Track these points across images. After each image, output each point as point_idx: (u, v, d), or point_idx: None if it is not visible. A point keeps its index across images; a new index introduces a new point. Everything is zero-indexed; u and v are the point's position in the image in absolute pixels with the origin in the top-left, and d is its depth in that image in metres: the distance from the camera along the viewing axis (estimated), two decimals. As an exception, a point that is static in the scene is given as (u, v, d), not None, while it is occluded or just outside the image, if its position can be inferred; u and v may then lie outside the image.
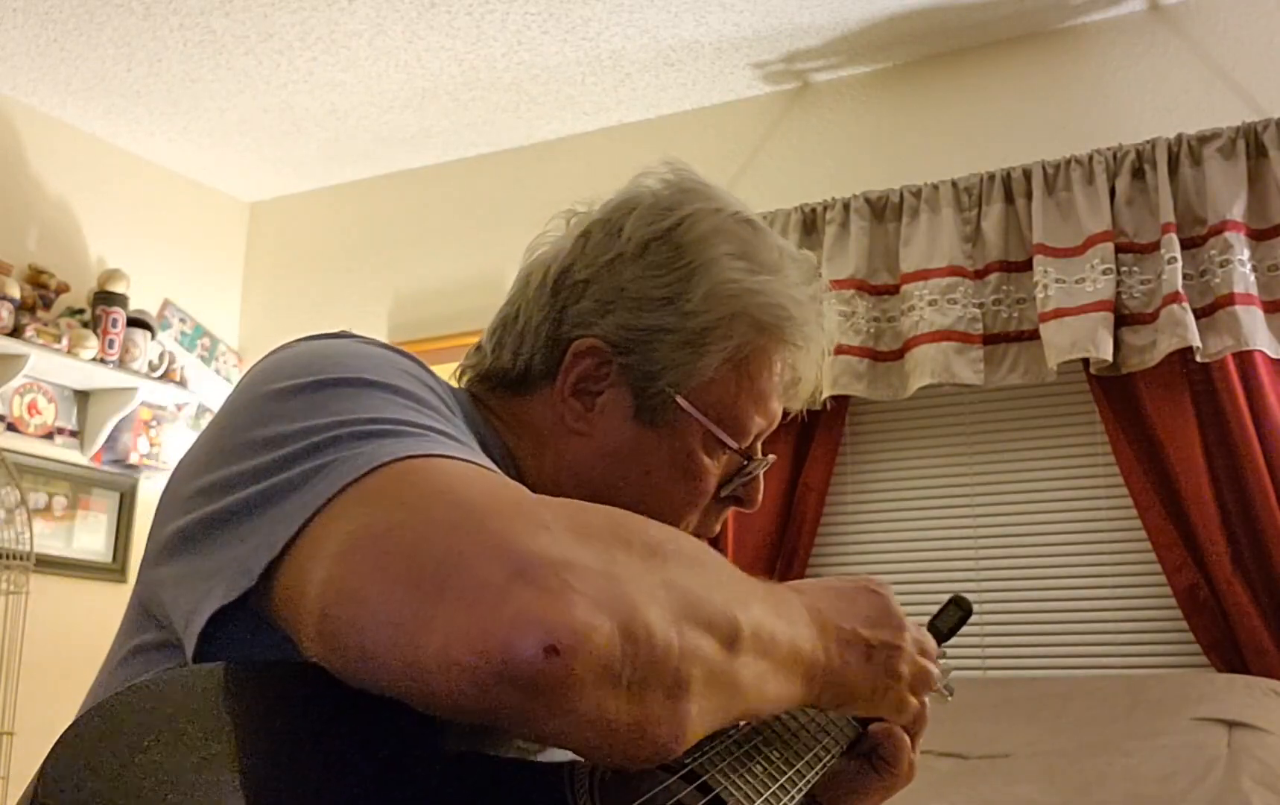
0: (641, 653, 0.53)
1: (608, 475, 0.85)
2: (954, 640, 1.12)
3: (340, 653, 0.53)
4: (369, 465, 0.57)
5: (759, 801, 0.72)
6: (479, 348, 0.92)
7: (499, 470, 0.63)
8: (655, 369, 0.84)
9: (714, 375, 0.85)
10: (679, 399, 0.84)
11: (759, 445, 0.90)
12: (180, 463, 0.69)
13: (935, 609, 1.14)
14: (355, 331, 0.76)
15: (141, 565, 0.68)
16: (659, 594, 0.55)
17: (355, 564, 0.54)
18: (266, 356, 0.71)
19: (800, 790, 0.76)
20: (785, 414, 0.94)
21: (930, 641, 0.84)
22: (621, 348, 0.84)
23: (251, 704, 0.52)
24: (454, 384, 0.90)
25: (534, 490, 0.84)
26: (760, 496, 0.93)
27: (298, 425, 0.61)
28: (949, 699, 1.06)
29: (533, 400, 0.87)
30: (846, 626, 0.74)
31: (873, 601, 0.77)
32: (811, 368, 0.92)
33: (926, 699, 0.84)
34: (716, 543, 3.00)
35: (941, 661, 1.09)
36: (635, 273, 0.85)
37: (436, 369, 0.83)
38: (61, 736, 0.46)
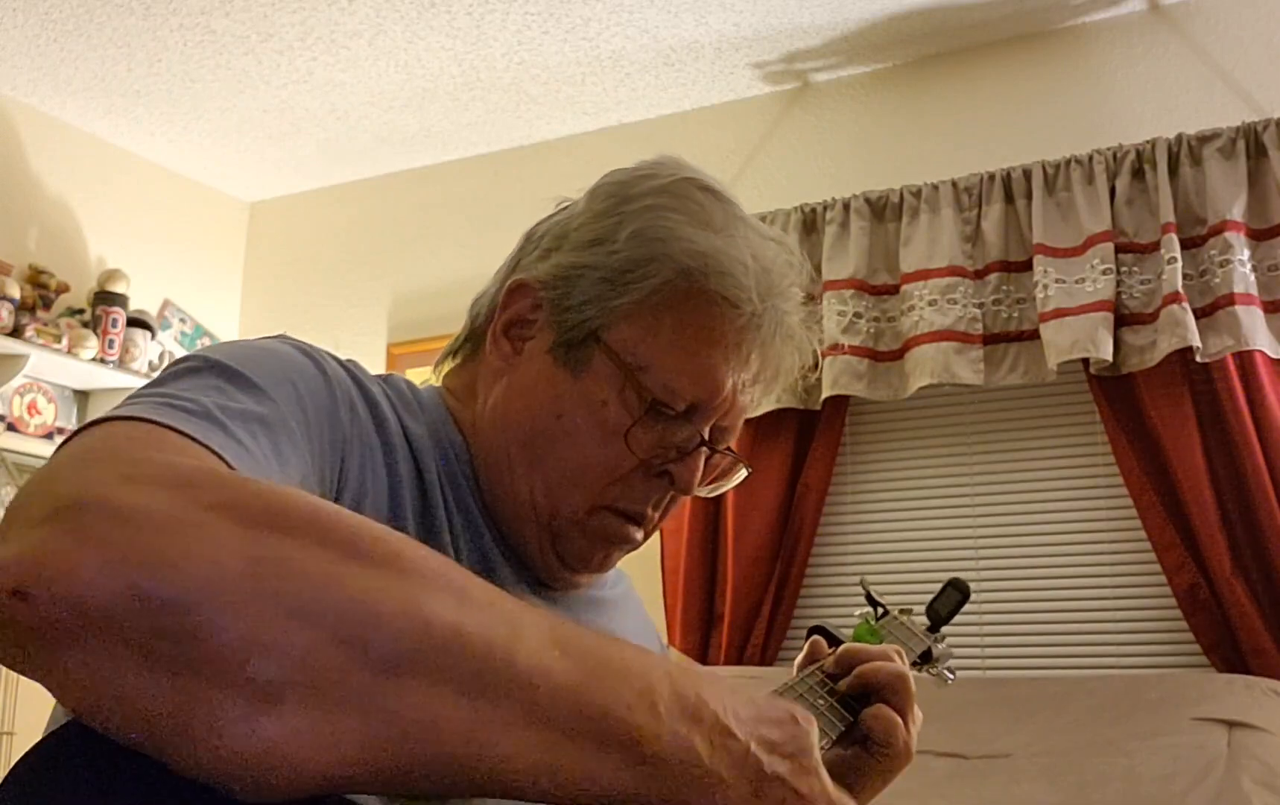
0: (176, 624, 0.44)
1: (523, 420, 0.82)
2: (954, 640, 1.12)
3: None
4: (88, 423, 0.57)
5: None
6: (464, 328, 0.93)
7: (224, 453, 0.58)
8: (574, 303, 0.82)
9: (637, 320, 0.81)
10: (600, 336, 0.81)
11: (706, 428, 0.83)
12: None
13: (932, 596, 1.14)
14: (291, 336, 0.77)
15: None
16: (237, 565, 0.46)
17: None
18: None
19: None
20: (759, 409, 0.90)
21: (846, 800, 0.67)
22: (550, 286, 0.83)
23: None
24: (431, 382, 0.92)
25: (479, 455, 0.84)
26: (695, 481, 0.83)
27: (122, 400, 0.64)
28: (949, 682, 1.06)
29: (480, 358, 0.88)
30: (739, 735, 0.58)
31: (786, 728, 0.61)
32: (771, 345, 0.84)
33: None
34: (717, 542, 2.99)
35: (940, 644, 1.09)
36: (580, 221, 0.85)
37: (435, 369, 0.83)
38: (12, 769, 0.47)
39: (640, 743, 0.53)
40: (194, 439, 0.57)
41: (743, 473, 0.90)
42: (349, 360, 0.79)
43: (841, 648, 0.86)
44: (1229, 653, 2.53)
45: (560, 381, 0.82)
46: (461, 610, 0.50)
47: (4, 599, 0.45)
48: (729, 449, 0.87)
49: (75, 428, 0.59)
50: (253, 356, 0.69)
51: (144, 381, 3.40)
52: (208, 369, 0.66)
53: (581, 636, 0.54)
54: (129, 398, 0.62)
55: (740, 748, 0.57)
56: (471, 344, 0.90)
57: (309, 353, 0.74)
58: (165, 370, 0.68)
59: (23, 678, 2.48)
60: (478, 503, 0.84)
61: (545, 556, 0.85)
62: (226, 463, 0.57)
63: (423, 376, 0.93)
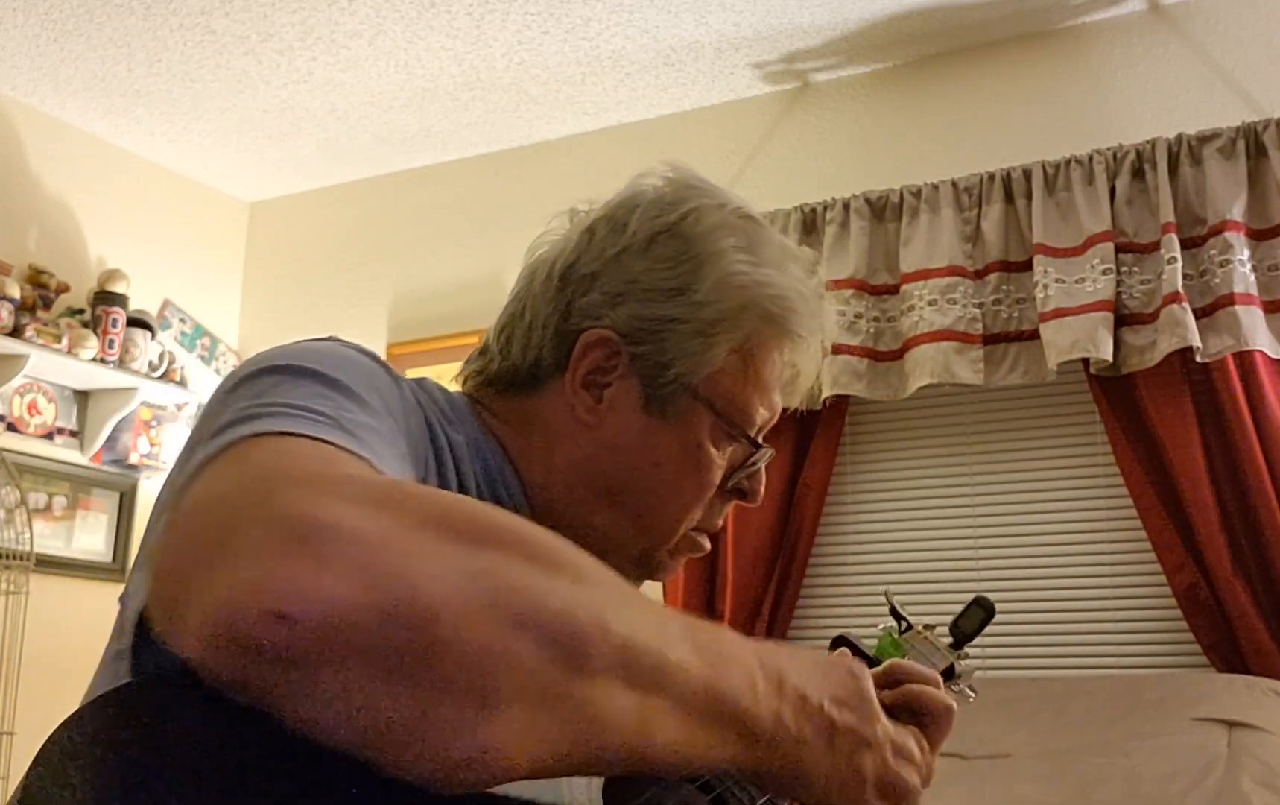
0: (419, 639, 0.47)
1: (617, 468, 0.85)
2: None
3: (154, 618, 0.52)
4: (229, 441, 0.58)
5: (761, 801, 0.72)
6: (484, 350, 0.92)
7: (373, 460, 0.60)
8: (666, 359, 0.84)
9: (722, 366, 0.86)
10: (690, 388, 0.85)
11: (760, 438, 0.90)
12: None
13: (943, 609, 1.13)
14: (343, 337, 0.77)
15: (132, 568, 0.69)
16: (461, 580, 0.49)
17: (175, 529, 0.53)
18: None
19: None
20: (784, 409, 0.94)
21: (912, 745, 0.76)
22: (632, 338, 0.85)
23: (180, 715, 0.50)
24: (453, 388, 0.91)
25: (544, 490, 0.85)
26: (762, 489, 0.93)
27: (229, 414, 0.63)
28: (970, 700, 1.06)
29: (542, 397, 0.87)
30: (812, 697, 0.66)
31: (848, 683, 0.70)
32: (811, 362, 0.92)
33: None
34: (717, 541, 2.99)
35: (964, 662, 1.09)
36: (644, 265, 0.86)
37: (436, 370, 0.83)
38: (43, 748, 0.47)
39: (749, 723, 0.61)
40: (348, 451, 0.59)
41: (772, 451, 0.94)
42: (386, 361, 0.80)
43: (889, 663, 0.86)
44: (1229, 653, 2.53)
45: (654, 432, 0.85)
46: (628, 614, 0.55)
47: (262, 622, 0.46)
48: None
49: (210, 447, 0.59)
50: (335, 361, 0.69)
51: (144, 381, 3.42)
52: (305, 376, 0.66)
53: (700, 630, 0.61)
54: (244, 411, 0.61)
55: (815, 709, 0.66)
56: (521, 381, 0.88)
57: (373, 356, 0.75)
58: (246, 377, 0.67)
59: (23, 677, 2.44)
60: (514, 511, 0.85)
61: (624, 575, 0.88)
62: (376, 469, 0.60)
63: (421, 375, 0.92)
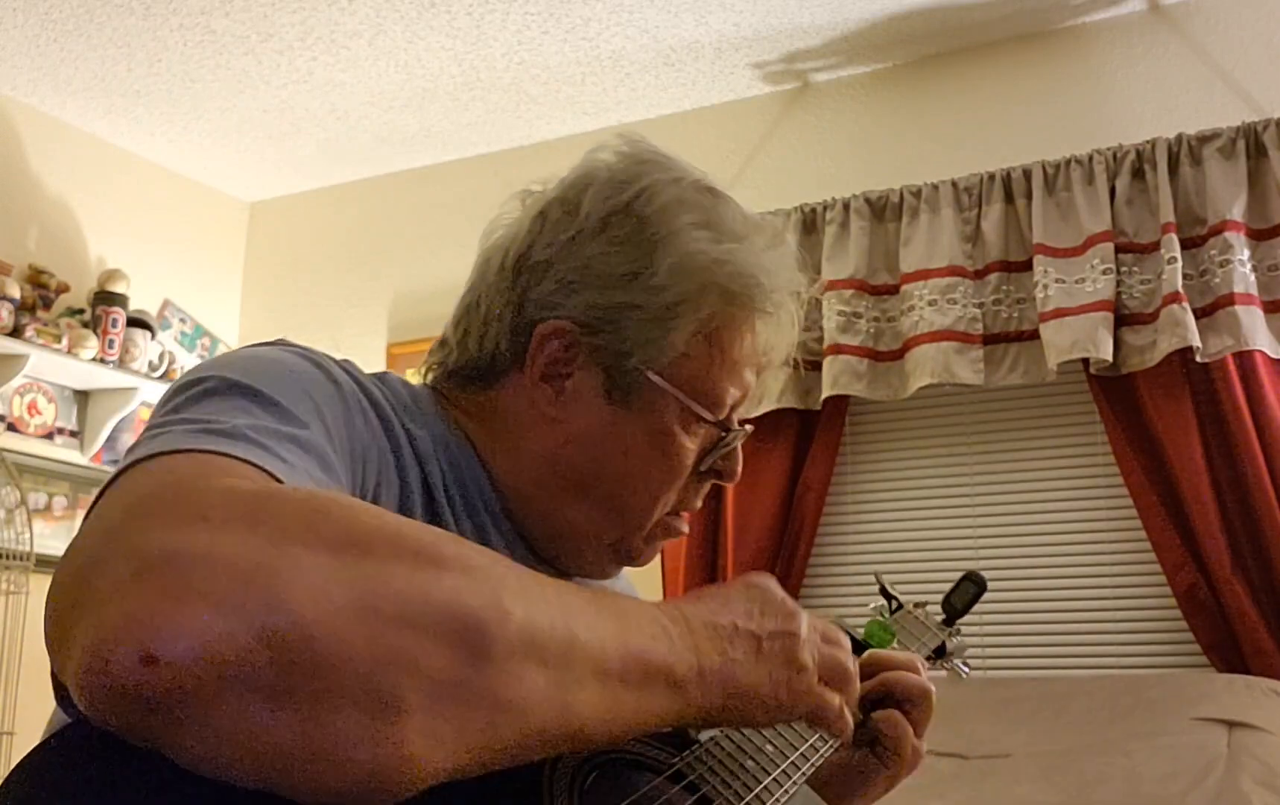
0: (302, 660, 0.45)
1: (585, 460, 0.83)
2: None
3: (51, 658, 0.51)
4: (120, 468, 0.57)
5: (748, 798, 0.71)
6: (444, 341, 0.90)
7: (272, 469, 0.58)
8: (625, 347, 0.81)
9: (685, 349, 0.82)
10: (652, 375, 0.81)
11: (734, 416, 0.87)
12: None
13: (943, 594, 1.13)
14: (291, 341, 0.76)
15: None
16: (337, 592, 0.47)
17: (59, 566, 0.52)
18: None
19: (795, 783, 0.75)
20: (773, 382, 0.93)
21: (835, 631, 0.76)
22: (590, 328, 0.82)
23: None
24: (417, 380, 0.90)
25: (513, 484, 0.84)
26: (739, 468, 0.89)
27: (142, 432, 0.63)
28: (964, 677, 1.06)
29: (503, 390, 0.85)
30: (724, 622, 0.66)
31: (752, 593, 0.70)
32: (783, 333, 0.88)
33: (839, 698, 0.74)
34: (717, 542, 2.99)
35: (955, 639, 1.08)
36: (598, 249, 0.83)
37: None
38: (8, 778, 0.47)
39: (670, 669, 0.61)
40: (243, 460, 0.57)
41: (748, 428, 0.91)
42: (344, 361, 0.78)
43: (867, 654, 0.86)
44: (1229, 653, 2.53)
45: (619, 421, 0.83)
46: (527, 596, 0.54)
47: (131, 668, 0.44)
48: (745, 422, 0.90)
49: (111, 472, 0.58)
50: (266, 371, 0.68)
51: (144, 381, 3.42)
52: (228, 389, 0.65)
53: (600, 598, 0.60)
54: (154, 427, 0.61)
55: (729, 629, 0.66)
56: (482, 374, 0.87)
57: (316, 361, 0.73)
58: (180, 392, 0.66)
59: (23, 677, 2.44)
60: (485, 504, 0.84)
61: (601, 567, 0.88)
62: (276, 478, 0.58)
63: (384, 370, 0.91)
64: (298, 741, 0.45)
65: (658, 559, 3.02)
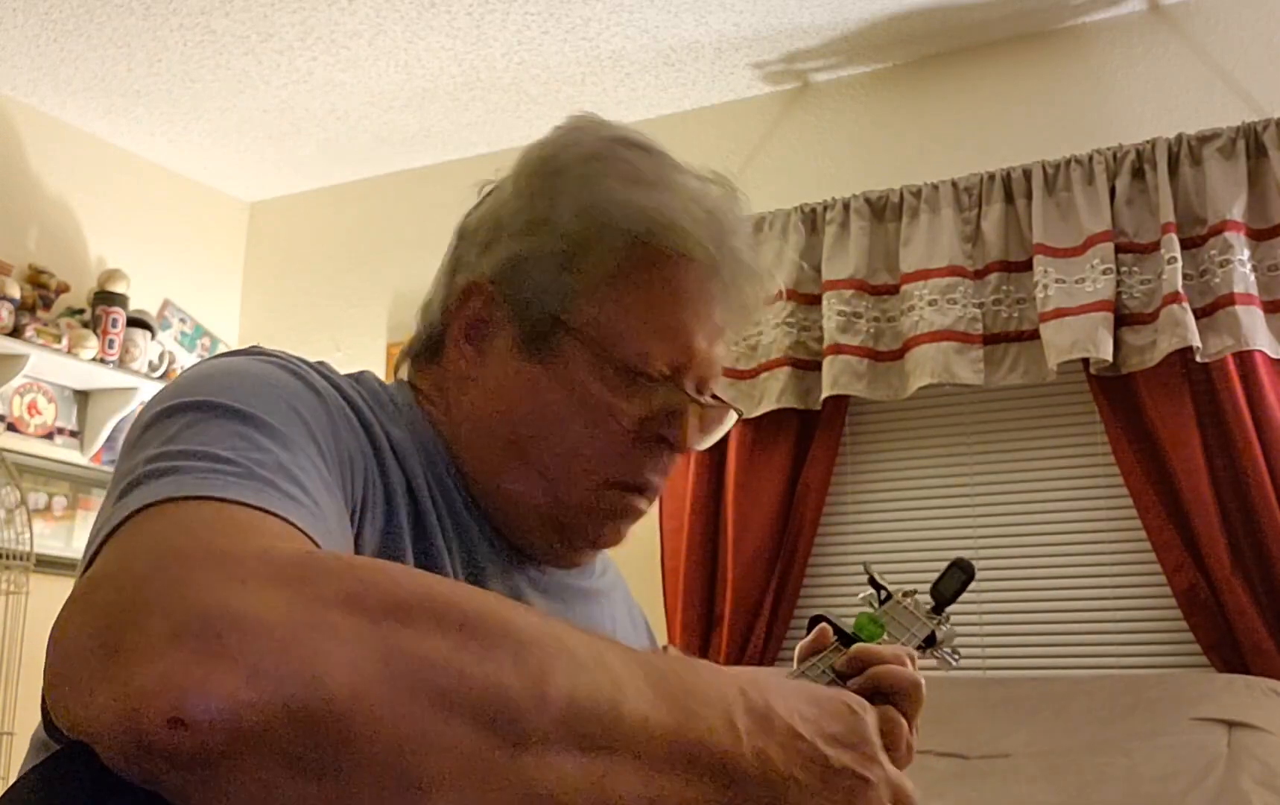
0: (329, 733, 0.45)
1: (505, 420, 0.81)
2: (955, 637, 1.11)
3: (52, 702, 0.50)
4: (131, 509, 0.55)
5: None
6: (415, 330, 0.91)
7: (290, 516, 0.58)
8: (532, 295, 0.79)
9: (598, 296, 0.79)
10: (563, 325, 0.79)
11: (690, 385, 0.81)
12: None
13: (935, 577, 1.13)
14: (266, 348, 0.74)
15: None
16: (373, 665, 0.46)
17: (68, 609, 0.51)
18: (178, 375, 0.71)
19: None
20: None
21: (910, 788, 0.69)
22: (502, 282, 0.81)
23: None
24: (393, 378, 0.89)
25: (466, 464, 0.82)
26: (692, 438, 0.82)
27: (129, 462, 0.61)
28: (954, 665, 1.05)
29: (445, 360, 0.85)
30: (804, 733, 0.61)
31: (846, 719, 0.65)
32: (735, 293, 0.82)
33: None
34: (717, 542, 2.99)
35: (945, 627, 1.08)
36: (512, 206, 0.83)
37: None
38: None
39: (727, 765, 0.56)
40: (264, 510, 0.56)
41: (733, 416, 0.87)
42: (320, 363, 0.76)
43: (855, 648, 0.86)
44: (1229, 653, 2.53)
45: (533, 375, 0.80)
46: (573, 674, 0.52)
47: (159, 728, 0.44)
48: (715, 397, 0.85)
49: (116, 513, 0.56)
50: (252, 391, 0.66)
51: (144, 381, 3.41)
52: (218, 414, 0.63)
53: (667, 670, 0.57)
54: (155, 460, 0.59)
55: (808, 747, 0.61)
56: (430, 349, 0.87)
57: (294, 370, 0.72)
58: (169, 416, 0.64)
59: (23, 677, 2.45)
60: (464, 501, 0.82)
61: (552, 547, 0.84)
62: (302, 531, 0.58)
63: (361, 370, 0.90)
64: None
65: (657, 560, 3.04)
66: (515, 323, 0.81)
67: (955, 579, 1.08)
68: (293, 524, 0.57)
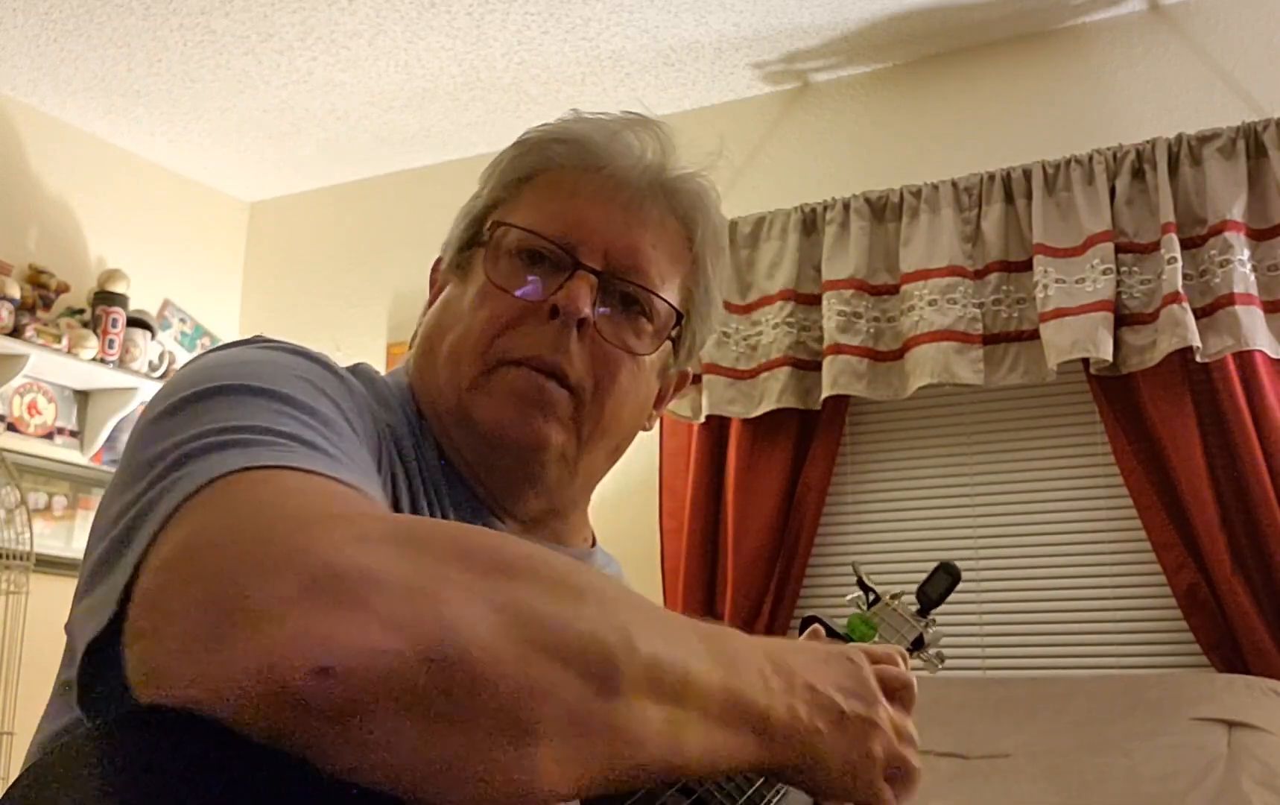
0: (458, 681, 0.47)
1: (424, 339, 0.88)
2: (954, 639, 1.12)
3: (138, 666, 0.50)
4: (205, 479, 0.55)
5: (741, 801, 0.71)
6: None
7: (363, 484, 0.60)
8: (453, 237, 0.91)
9: (498, 212, 0.89)
10: (478, 239, 0.88)
11: (585, 255, 0.84)
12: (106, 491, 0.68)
13: (945, 609, 1.14)
14: (269, 337, 0.75)
15: (76, 595, 0.66)
16: (492, 617, 0.49)
17: (165, 575, 0.52)
18: (177, 370, 0.71)
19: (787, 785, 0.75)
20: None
21: (911, 728, 0.76)
22: (446, 247, 0.92)
23: (108, 770, 0.47)
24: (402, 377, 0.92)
25: (425, 413, 0.85)
26: (579, 303, 0.82)
27: (165, 444, 0.60)
28: (940, 667, 1.06)
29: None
30: (820, 688, 0.67)
31: (849, 669, 0.71)
32: (656, 205, 0.87)
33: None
34: (717, 542, 2.99)
35: (933, 628, 1.09)
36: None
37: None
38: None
39: (767, 721, 0.62)
40: (340, 481, 0.58)
41: (657, 303, 0.87)
42: (321, 354, 0.77)
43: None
44: (1229, 653, 2.53)
45: (450, 293, 0.89)
46: (650, 629, 0.56)
47: (304, 679, 0.45)
48: (639, 286, 0.86)
49: (178, 483, 0.56)
50: (281, 374, 0.67)
51: (144, 381, 3.41)
52: (256, 395, 0.64)
53: (713, 636, 0.61)
54: (204, 437, 0.59)
55: (826, 699, 0.67)
56: None
57: (311, 356, 0.73)
58: (189, 398, 0.64)
59: (23, 677, 2.44)
60: (447, 484, 0.84)
61: (488, 472, 0.85)
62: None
63: (357, 362, 0.93)
64: (441, 759, 0.47)
65: (657, 560, 3.05)
66: (452, 269, 0.90)
67: (941, 582, 1.09)
68: (365, 492, 0.60)
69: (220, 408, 0.62)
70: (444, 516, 0.82)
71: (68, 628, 0.66)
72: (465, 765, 0.47)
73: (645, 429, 0.93)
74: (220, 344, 0.74)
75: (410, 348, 0.93)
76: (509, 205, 0.87)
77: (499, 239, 0.85)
